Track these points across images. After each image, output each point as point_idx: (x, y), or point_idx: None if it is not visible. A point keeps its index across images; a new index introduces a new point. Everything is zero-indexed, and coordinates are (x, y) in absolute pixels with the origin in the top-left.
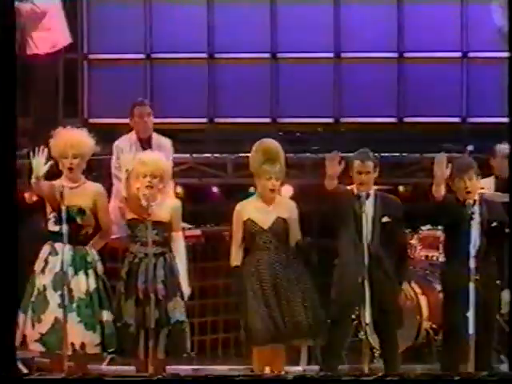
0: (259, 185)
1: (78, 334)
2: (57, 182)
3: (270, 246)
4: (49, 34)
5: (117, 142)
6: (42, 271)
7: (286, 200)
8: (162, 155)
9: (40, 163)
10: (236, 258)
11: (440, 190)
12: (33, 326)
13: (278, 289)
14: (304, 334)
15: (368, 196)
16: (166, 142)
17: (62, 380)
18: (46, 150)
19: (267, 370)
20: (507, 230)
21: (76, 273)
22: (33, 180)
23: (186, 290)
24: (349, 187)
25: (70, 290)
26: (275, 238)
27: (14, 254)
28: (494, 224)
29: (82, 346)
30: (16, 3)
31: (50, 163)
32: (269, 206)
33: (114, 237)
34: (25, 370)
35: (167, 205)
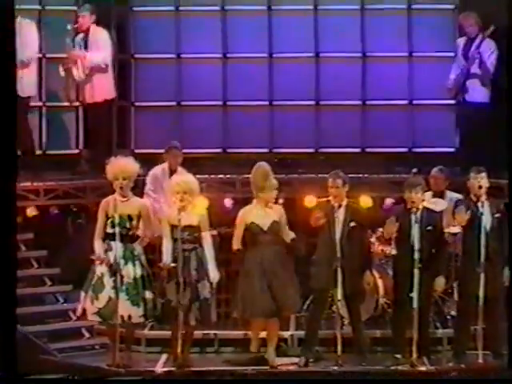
0: (262, 196)
1: (126, 308)
2: (111, 197)
3: (269, 242)
4: (102, 88)
5: (152, 170)
6: (101, 262)
7: (277, 206)
8: (191, 177)
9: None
10: (237, 242)
11: (388, 237)
12: (92, 302)
13: (271, 274)
14: (289, 309)
15: (340, 206)
16: (185, 172)
17: (62, 380)
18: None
19: (261, 335)
20: (445, 230)
21: (126, 263)
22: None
23: (216, 275)
24: (325, 199)
25: (121, 276)
26: (272, 236)
27: (14, 260)
28: (431, 227)
29: (129, 317)
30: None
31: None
32: (265, 211)
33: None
34: (87, 335)
35: (196, 213)
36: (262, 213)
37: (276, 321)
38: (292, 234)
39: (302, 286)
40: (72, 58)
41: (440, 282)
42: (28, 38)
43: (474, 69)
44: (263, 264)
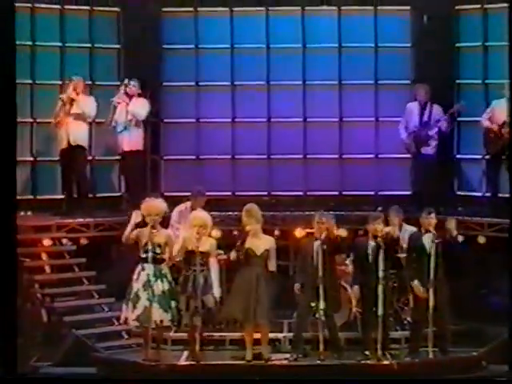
0: (247, 229)
1: (158, 315)
2: (145, 229)
3: (258, 264)
4: (135, 141)
5: (177, 207)
6: (136, 280)
7: (270, 238)
8: (206, 214)
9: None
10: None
11: None
12: (132, 311)
13: (256, 288)
14: (261, 316)
15: (320, 237)
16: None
17: (61, 380)
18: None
19: (253, 336)
20: (399, 255)
21: (156, 280)
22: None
23: (218, 292)
24: (310, 230)
25: (153, 290)
26: (262, 260)
27: (14, 266)
28: (391, 251)
29: (161, 321)
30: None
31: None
32: (258, 240)
33: (177, 259)
34: (126, 337)
35: (208, 243)
36: (257, 242)
37: (265, 325)
38: (274, 267)
39: (289, 299)
40: (119, 99)
41: (400, 295)
42: (92, 105)
43: (431, 130)
44: (253, 280)
